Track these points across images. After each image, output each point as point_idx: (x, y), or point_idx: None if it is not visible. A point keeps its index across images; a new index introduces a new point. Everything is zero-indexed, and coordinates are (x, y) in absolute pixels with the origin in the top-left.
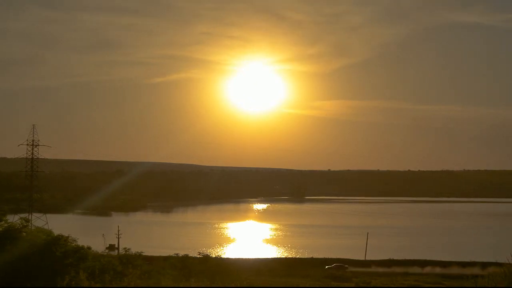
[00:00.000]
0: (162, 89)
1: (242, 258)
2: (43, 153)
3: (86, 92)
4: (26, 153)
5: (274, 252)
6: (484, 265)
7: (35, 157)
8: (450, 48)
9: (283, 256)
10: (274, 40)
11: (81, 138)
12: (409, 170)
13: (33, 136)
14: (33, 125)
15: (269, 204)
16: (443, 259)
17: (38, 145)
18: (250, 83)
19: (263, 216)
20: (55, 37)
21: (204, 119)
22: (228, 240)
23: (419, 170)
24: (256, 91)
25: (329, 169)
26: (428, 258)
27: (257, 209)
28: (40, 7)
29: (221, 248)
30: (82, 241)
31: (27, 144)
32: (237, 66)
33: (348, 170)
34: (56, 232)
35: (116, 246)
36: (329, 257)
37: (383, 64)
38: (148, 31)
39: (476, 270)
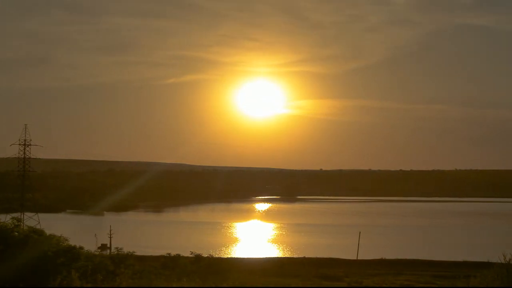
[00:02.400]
0: (172, 90)
1: (234, 258)
2: (36, 153)
3: (95, 93)
4: (18, 153)
5: (266, 251)
6: (476, 264)
7: (27, 156)
8: (449, 50)
9: (275, 256)
10: (292, 42)
11: (81, 138)
12: (400, 169)
13: (25, 135)
14: (25, 124)
15: (260, 204)
16: (435, 259)
17: (30, 144)
18: (261, 86)
19: (255, 216)
20: (70, 39)
21: (204, 120)
22: (219, 240)
23: (411, 170)
24: (264, 94)
25: (321, 169)
26: (420, 258)
27: (249, 209)
28: (58, 10)
29: (213, 247)
30: (74, 241)
31: (19, 144)
32: (253, 67)
33: (340, 169)
34: (48, 231)
35: (108, 245)
36: (321, 256)
37: (387, 66)
38: (168, 32)
39: (468, 270)
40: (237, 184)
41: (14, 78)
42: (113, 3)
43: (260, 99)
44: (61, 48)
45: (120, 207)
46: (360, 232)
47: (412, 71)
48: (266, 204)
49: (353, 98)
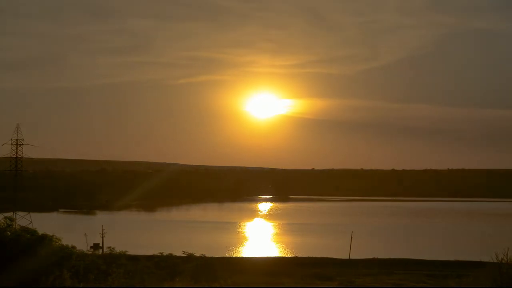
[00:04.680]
0: (180, 90)
1: (226, 257)
2: (28, 153)
3: (103, 93)
4: (11, 152)
5: (258, 251)
6: (468, 264)
7: (19, 156)
8: (455, 52)
9: (267, 255)
10: (309, 43)
11: (79, 138)
12: (393, 169)
13: (17, 135)
14: (17, 124)
15: (252, 203)
16: (427, 258)
17: (23, 144)
18: (266, 87)
19: (247, 215)
20: (84, 39)
21: (204, 120)
22: (212, 239)
23: (403, 169)
24: (268, 95)
25: (313, 168)
26: (412, 257)
27: (240, 208)
28: (73, 11)
29: (206, 247)
30: (67, 240)
31: (11, 144)
32: (266, 68)
33: (332, 169)
34: (40, 231)
35: (101, 245)
36: (314, 256)
37: (396, 68)
38: (186, 33)
39: (460, 269)
40: (228, 184)
41: (23, 78)
42: (134, 5)
43: (263, 100)
44: (74, 49)
45: (112, 207)
46: (352, 232)
47: (417, 72)
48: (258, 203)
49: (348, 98)
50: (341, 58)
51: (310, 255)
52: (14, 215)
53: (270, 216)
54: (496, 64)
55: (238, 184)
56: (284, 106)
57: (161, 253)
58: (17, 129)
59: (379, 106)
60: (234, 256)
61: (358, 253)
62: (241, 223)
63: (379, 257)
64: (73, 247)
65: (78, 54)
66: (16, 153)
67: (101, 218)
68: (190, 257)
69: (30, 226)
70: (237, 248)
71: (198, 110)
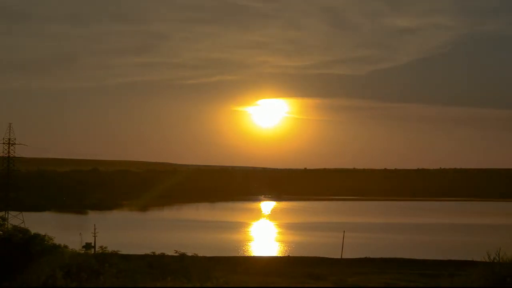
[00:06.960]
0: (185, 90)
1: (218, 256)
2: (20, 152)
3: (102, 93)
4: (3, 152)
5: (250, 250)
6: (461, 263)
7: (12, 155)
8: (461, 54)
9: (260, 255)
10: (327, 44)
11: (76, 138)
12: (385, 168)
13: (9, 134)
14: (10, 123)
15: (244, 203)
16: (419, 257)
17: (15, 143)
18: (274, 87)
19: (239, 215)
20: (99, 40)
21: (203, 121)
22: (204, 239)
23: (395, 169)
24: (274, 94)
25: (305, 168)
26: (404, 256)
27: (233, 208)
28: (85, 11)
29: (198, 246)
30: (59, 240)
31: (4, 143)
32: (279, 68)
33: (325, 168)
34: (32, 230)
35: (92, 244)
36: (306, 255)
37: (403, 69)
38: (204, 35)
39: (453, 269)
40: (221, 183)
41: (32, 78)
42: (159, 7)
43: (266, 100)
44: (88, 49)
45: (104, 206)
46: (344, 231)
47: (426, 73)
48: (250, 203)
49: (348, 98)
50: (355, 59)
51: (303, 255)
52: (6, 214)
53: (262, 215)
54: (508, 66)
55: (230, 184)
56: (284, 106)
57: (153, 253)
58: (9, 129)
59: (376, 106)
60: (226, 255)
61: (350, 253)
62: (233, 222)
63: (371, 256)
64: (65, 246)
65: (88, 54)
66: (8, 152)
67: (93, 217)
68: (182, 257)
69: (22, 225)
70: (229, 248)
71: (198, 110)
